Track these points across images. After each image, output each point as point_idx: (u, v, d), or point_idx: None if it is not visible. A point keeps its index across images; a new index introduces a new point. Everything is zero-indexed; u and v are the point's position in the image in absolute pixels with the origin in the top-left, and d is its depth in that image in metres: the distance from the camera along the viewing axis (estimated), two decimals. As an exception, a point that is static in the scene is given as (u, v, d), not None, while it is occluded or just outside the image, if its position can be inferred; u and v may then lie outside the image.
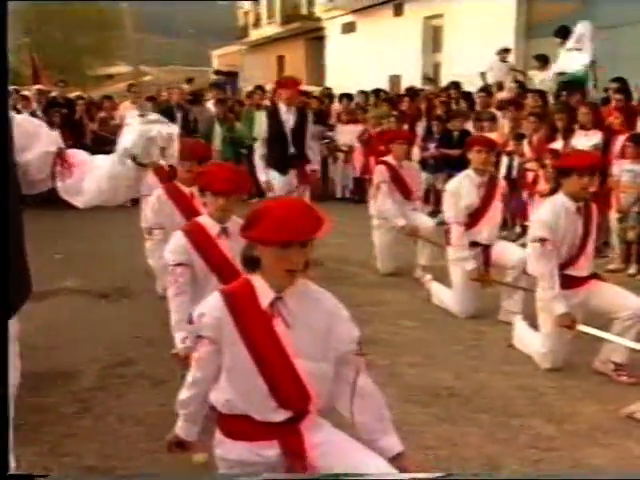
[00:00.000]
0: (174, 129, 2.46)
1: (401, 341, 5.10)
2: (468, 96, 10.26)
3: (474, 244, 5.48)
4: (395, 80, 18.13)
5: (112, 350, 4.83)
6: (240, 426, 2.39)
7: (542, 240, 4.28)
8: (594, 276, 4.53)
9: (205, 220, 3.71)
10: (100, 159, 2.47)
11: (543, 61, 10.38)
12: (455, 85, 11.16)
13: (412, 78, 16.37)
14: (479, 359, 4.77)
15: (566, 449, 3.59)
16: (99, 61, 37.86)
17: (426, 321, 5.51)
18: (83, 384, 4.28)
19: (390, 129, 9.07)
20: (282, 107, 7.02)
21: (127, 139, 2.41)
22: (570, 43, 8.77)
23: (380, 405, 2.52)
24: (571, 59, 8.67)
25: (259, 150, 7.21)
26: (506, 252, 5.43)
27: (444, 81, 15.78)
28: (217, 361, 2.40)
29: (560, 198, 4.33)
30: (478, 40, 13.90)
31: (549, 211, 4.32)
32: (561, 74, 9.10)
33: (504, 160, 8.46)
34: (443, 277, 5.89)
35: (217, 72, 20.92)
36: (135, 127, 2.40)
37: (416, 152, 10.07)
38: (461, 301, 5.53)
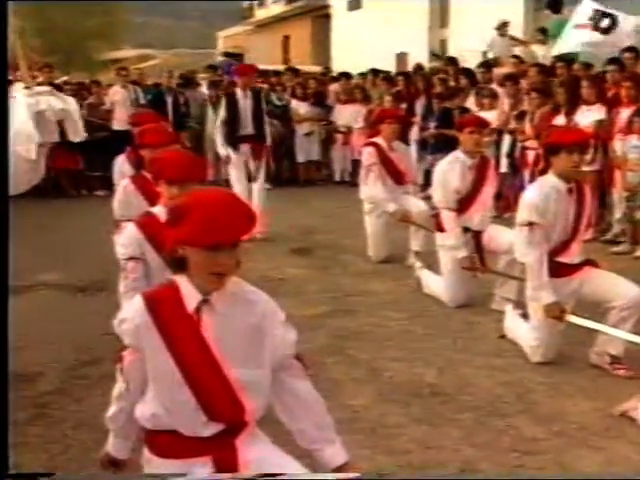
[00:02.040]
0: (70, 103, 2.25)
1: (385, 334, 4.90)
2: (469, 72, 9.95)
3: (465, 230, 5.25)
4: (402, 58, 17.82)
5: (80, 349, 4.67)
6: (169, 442, 2.22)
7: (530, 224, 4.04)
8: (588, 262, 4.29)
9: (159, 211, 3.52)
10: None
11: (545, 34, 10.05)
12: (453, 61, 10.85)
13: (419, 55, 16.06)
14: (467, 352, 4.56)
15: (551, 452, 3.38)
16: (105, 45, 37.73)
17: (414, 312, 5.31)
18: (42, 387, 4.12)
19: (383, 109, 8.79)
20: (238, 92, 7.92)
21: (14, 117, 2.20)
22: (580, 19, 8.39)
23: (322, 412, 2.35)
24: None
25: (219, 129, 8.08)
26: (498, 236, 5.19)
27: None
28: (143, 371, 2.22)
29: (549, 178, 4.09)
30: (485, 14, 13.48)
31: (537, 192, 4.08)
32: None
33: (506, 139, 8.20)
34: (437, 264, 5.67)
35: (225, 54, 20.68)
36: (20, 101, 2.20)
37: (416, 132, 9.86)
38: (451, 289, 5.32)
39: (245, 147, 7.88)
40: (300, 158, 11.19)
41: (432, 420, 3.69)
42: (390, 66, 14.68)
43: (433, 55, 16.34)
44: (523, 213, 4.10)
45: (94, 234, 7.71)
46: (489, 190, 5.34)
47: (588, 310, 4.28)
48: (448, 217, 5.23)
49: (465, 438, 3.50)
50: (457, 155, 5.29)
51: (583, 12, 8.49)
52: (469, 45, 13.05)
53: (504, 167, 8.17)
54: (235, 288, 2.20)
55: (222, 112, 8.03)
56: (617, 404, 3.72)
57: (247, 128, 7.85)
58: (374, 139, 6.52)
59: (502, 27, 11.26)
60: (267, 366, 2.23)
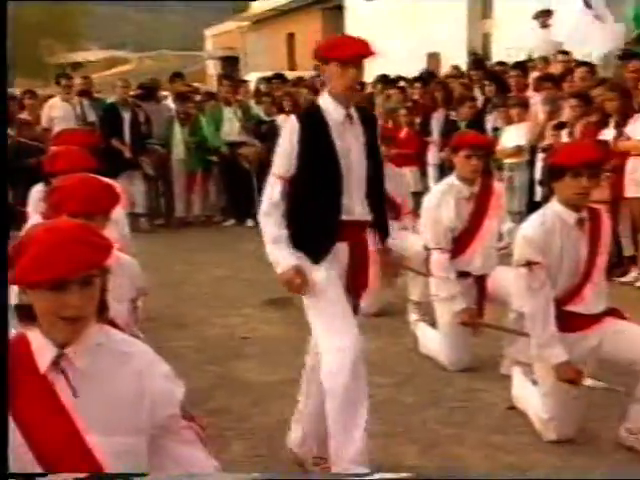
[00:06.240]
0: None
1: (363, 404, 4.99)
2: (494, 77, 10.13)
3: (464, 274, 5.36)
4: (435, 59, 18.03)
5: None
6: None
7: (529, 264, 4.15)
8: (610, 312, 4.37)
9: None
10: None
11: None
12: (478, 63, 11.04)
13: (456, 55, 16.19)
14: (462, 427, 4.63)
15: None
16: (61, 44, 37.94)
17: (404, 376, 5.41)
18: None
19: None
20: (330, 106, 3.91)
21: None
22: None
23: None
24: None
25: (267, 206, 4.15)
26: (506, 281, 5.28)
27: (495, 57, 15.63)
28: None
29: (553, 208, 4.20)
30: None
31: (537, 225, 4.18)
32: None
33: (540, 159, 8.30)
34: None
35: None
36: None
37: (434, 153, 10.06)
38: (450, 349, 5.41)
39: (342, 249, 3.98)
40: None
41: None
42: (420, 70, 14.72)
43: (472, 55, 16.56)
44: (520, 250, 4.19)
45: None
46: (492, 224, 5.41)
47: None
48: (439, 260, 5.30)
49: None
50: (451, 183, 5.40)
51: None
52: (519, 40, 13.05)
53: (539, 196, 8.23)
54: (101, 338, 2.29)
55: (280, 167, 3.95)
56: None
57: (353, 204, 3.95)
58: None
59: (543, 15, 11.31)
60: (145, 431, 2.29)
